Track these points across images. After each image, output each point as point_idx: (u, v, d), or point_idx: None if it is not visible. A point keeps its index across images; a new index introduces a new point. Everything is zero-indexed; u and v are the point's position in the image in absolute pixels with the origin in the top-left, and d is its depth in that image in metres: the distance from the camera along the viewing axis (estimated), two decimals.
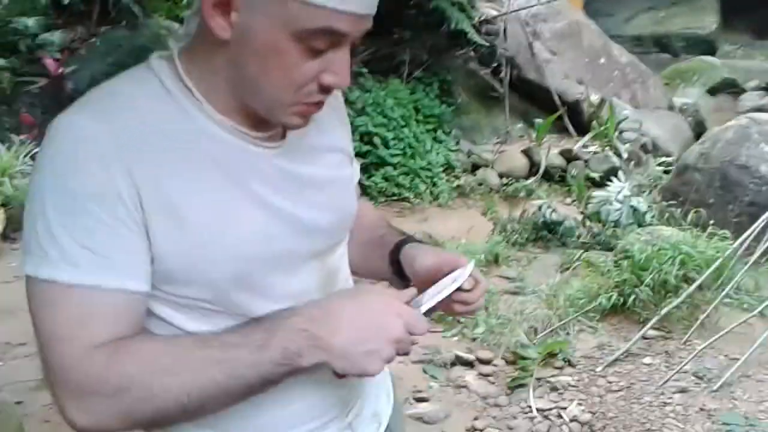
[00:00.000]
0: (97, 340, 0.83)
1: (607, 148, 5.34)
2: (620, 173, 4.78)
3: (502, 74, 5.93)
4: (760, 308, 3.26)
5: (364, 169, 4.51)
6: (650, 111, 6.52)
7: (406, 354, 0.90)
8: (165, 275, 0.87)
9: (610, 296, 3.44)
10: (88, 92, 0.91)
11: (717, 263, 3.38)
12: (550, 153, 5.19)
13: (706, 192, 4.33)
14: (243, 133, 0.91)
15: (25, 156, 4.41)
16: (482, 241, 4.16)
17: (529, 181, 4.94)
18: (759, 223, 3.51)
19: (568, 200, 4.94)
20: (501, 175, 5.03)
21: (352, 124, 1.36)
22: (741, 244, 3.47)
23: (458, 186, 4.82)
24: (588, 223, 4.42)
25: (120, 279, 0.84)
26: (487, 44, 5.77)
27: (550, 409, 2.82)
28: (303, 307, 0.89)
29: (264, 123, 0.93)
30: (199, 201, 0.87)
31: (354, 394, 1.04)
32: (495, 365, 3.14)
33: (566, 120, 5.77)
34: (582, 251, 4.02)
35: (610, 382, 2.98)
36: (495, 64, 5.94)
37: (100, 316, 0.84)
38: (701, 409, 2.76)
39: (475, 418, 2.79)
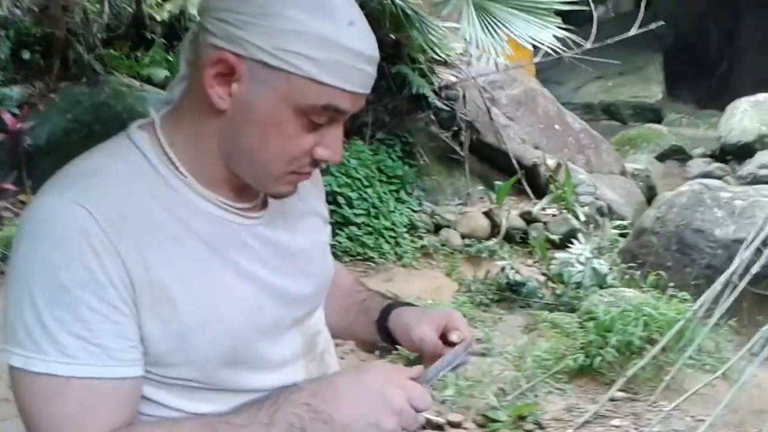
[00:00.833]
0: (105, 430, 0.82)
1: (564, 210, 5.46)
2: (579, 235, 4.87)
3: (462, 138, 6.05)
4: (722, 370, 3.32)
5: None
6: (604, 175, 6.71)
7: (411, 430, 0.88)
8: (153, 358, 0.86)
9: (577, 357, 3.46)
10: (68, 167, 0.89)
11: (679, 325, 3.44)
12: (510, 215, 5.28)
13: (663, 255, 4.44)
14: (227, 205, 0.92)
15: None
16: (448, 301, 4.16)
17: (491, 242, 4.99)
18: (715, 286, 3.61)
19: (530, 261, 5.00)
20: (463, 236, 5.08)
21: None
22: (701, 306, 3.55)
23: (422, 246, 4.85)
24: (550, 284, 4.47)
25: (118, 367, 0.83)
26: (448, 108, 5.91)
27: None
28: (305, 383, 0.90)
29: (247, 192, 0.93)
30: (190, 283, 0.86)
31: None
32: (465, 428, 3.10)
33: (525, 183, 5.89)
34: (546, 312, 4.06)
35: None
36: (455, 128, 6.06)
37: (102, 406, 0.82)
38: None
39: None
